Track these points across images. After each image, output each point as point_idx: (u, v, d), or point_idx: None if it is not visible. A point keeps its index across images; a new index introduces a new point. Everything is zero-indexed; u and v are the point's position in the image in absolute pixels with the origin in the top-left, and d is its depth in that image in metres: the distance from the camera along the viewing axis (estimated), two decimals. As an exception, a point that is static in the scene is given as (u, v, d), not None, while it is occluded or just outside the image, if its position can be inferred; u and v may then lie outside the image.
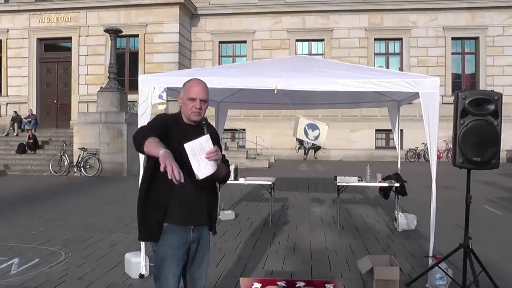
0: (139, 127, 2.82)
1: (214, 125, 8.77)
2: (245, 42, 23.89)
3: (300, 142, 22.94)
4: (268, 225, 7.60)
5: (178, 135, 2.68)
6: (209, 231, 2.94)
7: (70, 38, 23.36)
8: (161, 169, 2.30)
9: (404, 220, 7.10)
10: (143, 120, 4.99)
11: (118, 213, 8.62)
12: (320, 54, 23.33)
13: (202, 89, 2.80)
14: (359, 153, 22.29)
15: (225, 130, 22.90)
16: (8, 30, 23.72)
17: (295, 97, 6.32)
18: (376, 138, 23.20)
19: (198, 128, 2.78)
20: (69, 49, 23.44)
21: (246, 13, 23.49)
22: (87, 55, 23.10)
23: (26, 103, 23.12)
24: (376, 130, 22.78)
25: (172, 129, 2.72)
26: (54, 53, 24.04)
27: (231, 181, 7.63)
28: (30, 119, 21.10)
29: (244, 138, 23.35)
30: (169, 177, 2.29)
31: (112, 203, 9.98)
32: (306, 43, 23.91)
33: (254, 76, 4.94)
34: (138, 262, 5.00)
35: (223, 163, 2.80)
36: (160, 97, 5.00)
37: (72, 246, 6.26)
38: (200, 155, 2.50)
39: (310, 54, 23.11)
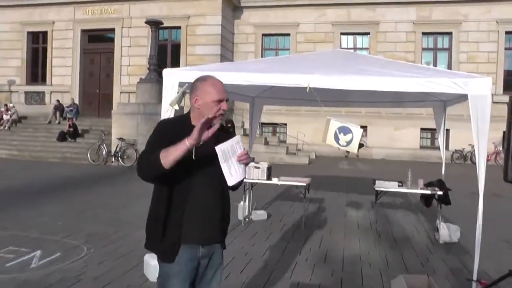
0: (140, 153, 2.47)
1: (249, 122, 8.53)
2: (288, 35, 23.38)
3: (342, 138, 22.38)
4: (301, 228, 7.20)
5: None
6: (222, 247, 2.62)
7: (113, 30, 23.62)
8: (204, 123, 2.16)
9: (447, 231, 6.51)
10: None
11: (145, 208, 8.37)
12: (365, 48, 22.59)
13: (223, 87, 2.49)
14: (403, 152, 21.45)
15: (265, 124, 23.02)
16: (54, 22, 24.30)
17: (332, 94, 5.88)
18: (420, 137, 22.21)
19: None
20: (112, 40, 23.70)
21: (290, 5, 22.97)
22: (130, 46, 23.26)
23: (69, 92, 23.59)
24: (421, 129, 21.81)
25: (178, 138, 2.35)
26: (97, 44, 24.34)
27: (263, 180, 7.31)
28: (71, 108, 21.47)
29: (285, 133, 22.95)
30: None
31: (144, 197, 9.71)
32: (351, 37, 23.15)
33: (286, 73, 4.55)
34: (156, 265, 4.72)
35: None
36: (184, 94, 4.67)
37: (96, 241, 6.11)
38: (231, 159, 2.27)
39: (354, 48, 22.45)
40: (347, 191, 11.52)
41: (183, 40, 22.61)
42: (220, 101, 2.43)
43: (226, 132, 2.45)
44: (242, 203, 7.55)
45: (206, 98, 2.42)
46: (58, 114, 21.22)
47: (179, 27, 22.66)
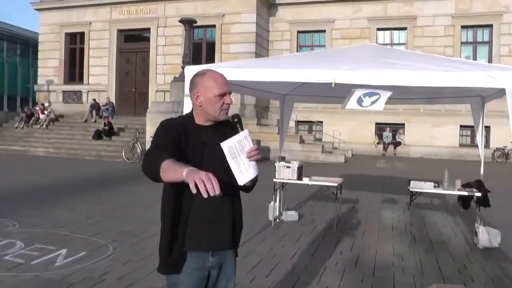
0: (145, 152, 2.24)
1: (279, 120, 8.30)
2: (324, 31, 23.03)
3: (380, 136, 21.93)
4: (333, 230, 6.93)
5: (194, 144, 2.23)
6: (235, 255, 2.43)
7: (148, 29, 23.90)
8: (193, 190, 1.81)
9: (486, 236, 6.08)
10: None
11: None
12: (402, 44, 22.00)
13: (226, 80, 2.31)
14: (442, 150, 20.74)
15: (301, 122, 22.74)
16: (90, 23, 24.86)
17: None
18: (460, 135, 21.40)
19: (219, 128, 2.31)
20: (147, 40, 23.98)
21: (325, 1, 22.63)
22: (165, 45, 23.44)
23: (106, 91, 23.99)
24: (461, 126, 21.01)
25: (183, 140, 2.22)
26: (133, 43, 24.68)
27: (293, 180, 7.11)
28: (107, 107, 21.80)
29: (322, 131, 22.62)
30: (209, 193, 1.80)
31: None
32: (387, 32, 22.59)
33: (310, 68, 4.33)
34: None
35: None
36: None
37: (122, 240, 6.07)
38: (240, 156, 2.07)
39: (391, 43, 21.89)
40: (382, 191, 11.15)
41: (217, 38, 22.61)
42: (222, 95, 2.26)
43: (233, 129, 2.24)
44: (272, 203, 7.37)
45: (207, 94, 2.25)
46: (94, 112, 21.61)
47: (213, 26, 22.68)
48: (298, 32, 23.51)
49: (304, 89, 7.06)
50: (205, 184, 1.80)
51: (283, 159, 7.53)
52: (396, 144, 21.40)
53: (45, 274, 4.77)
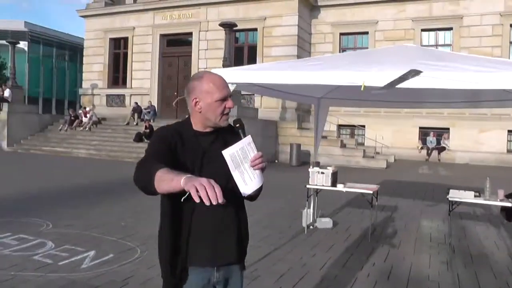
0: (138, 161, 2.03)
1: (314, 124, 8.08)
2: (367, 33, 22.57)
3: (423, 141, 21.26)
4: (367, 239, 6.65)
5: (193, 152, 2.07)
6: (241, 269, 2.26)
7: (190, 33, 24.15)
8: (195, 198, 1.62)
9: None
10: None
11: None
12: (448, 45, 21.21)
13: (225, 82, 2.16)
14: (488, 156, 19.82)
15: (343, 126, 22.34)
16: (134, 28, 25.44)
17: (401, 94, 5.37)
18: (508, 140, 20.39)
19: (219, 134, 2.15)
20: (189, 44, 24.22)
21: (368, 2, 22.19)
22: (207, 49, 23.58)
23: (148, 94, 24.39)
24: (509, 131, 20.06)
25: (179, 149, 2.06)
26: (175, 48, 25.04)
27: (327, 187, 6.87)
28: (149, 110, 22.12)
29: (364, 135, 22.15)
30: (211, 201, 1.61)
31: None
32: (432, 33, 21.83)
33: (338, 70, 4.10)
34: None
35: None
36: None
37: (152, 244, 5.96)
38: (243, 164, 1.91)
39: (436, 44, 21.17)
40: (423, 198, 10.68)
41: (259, 42, 22.59)
42: (223, 99, 2.09)
43: (235, 134, 2.08)
44: (306, 209, 7.16)
45: (207, 99, 2.08)
46: (136, 116, 21.97)
47: (255, 29, 22.69)
48: (341, 34, 23.15)
49: (339, 92, 6.82)
50: (207, 190, 1.62)
51: (317, 164, 7.30)
52: (441, 149, 20.67)
53: (71, 275, 4.78)
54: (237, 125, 2.08)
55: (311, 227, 7.24)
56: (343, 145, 19.32)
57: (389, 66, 4.02)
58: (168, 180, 1.74)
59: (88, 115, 22.74)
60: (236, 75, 4.60)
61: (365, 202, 8.91)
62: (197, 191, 1.62)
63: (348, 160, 18.34)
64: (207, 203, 1.61)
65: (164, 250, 2.11)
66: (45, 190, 10.24)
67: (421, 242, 6.72)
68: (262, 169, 1.98)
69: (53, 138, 21.91)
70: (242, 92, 16.45)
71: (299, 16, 21.84)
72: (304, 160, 17.71)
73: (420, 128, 21.36)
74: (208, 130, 2.15)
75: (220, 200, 1.62)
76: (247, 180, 1.95)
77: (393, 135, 21.15)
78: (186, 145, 2.07)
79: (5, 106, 21.71)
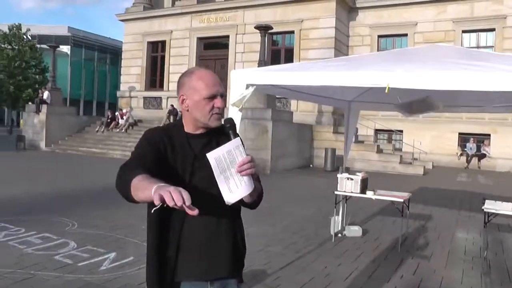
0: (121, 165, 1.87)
1: (344, 129, 7.80)
2: (406, 35, 21.92)
3: (463, 148, 20.52)
4: (397, 250, 6.32)
5: (183, 156, 1.91)
6: (238, 282, 2.07)
7: (227, 37, 24.20)
8: (156, 202, 1.47)
9: None
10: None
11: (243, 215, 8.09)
12: (490, 47, 20.30)
13: (217, 79, 1.96)
14: (533, 165, 18.94)
15: (380, 131, 21.82)
16: (171, 32, 25.73)
17: (437, 97, 5.04)
18: (554, 147, 19.48)
19: (213, 137, 1.96)
20: (226, 47, 24.24)
21: (408, 3, 21.54)
22: (243, 52, 23.55)
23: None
24: (555, 138, 19.13)
25: (169, 152, 1.90)
26: (212, 51, 25.16)
27: (356, 194, 6.59)
28: (184, 112, 22.18)
29: (401, 140, 21.56)
30: (171, 205, 1.45)
31: None
32: (473, 34, 20.97)
33: (361, 70, 3.86)
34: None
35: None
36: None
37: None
38: (229, 169, 1.73)
39: (477, 46, 20.29)
40: (460, 208, 10.16)
41: (296, 44, 22.37)
42: (212, 97, 1.92)
43: (226, 135, 1.90)
44: (335, 217, 6.91)
45: (194, 96, 1.92)
46: (172, 118, 22.13)
47: (292, 32, 22.49)
48: (379, 36, 22.63)
49: (371, 95, 6.52)
50: (172, 194, 1.45)
51: (346, 170, 7.05)
52: (481, 156, 19.85)
53: (87, 277, 4.75)
54: (228, 125, 1.90)
55: (339, 235, 6.99)
56: (379, 151, 18.86)
57: (417, 66, 3.74)
58: (142, 189, 1.60)
59: (124, 117, 23.10)
60: (256, 76, 4.43)
61: (398, 211, 8.58)
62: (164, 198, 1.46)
63: (384, 166, 17.88)
64: (170, 204, 1.44)
65: (150, 265, 1.95)
66: (76, 190, 10.36)
67: (454, 255, 6.33)
68: (257, 177, 1.81)
69: (90, 139, 22.34)
70: (277, 96, 16.28)
71: (337, 18, 21.51)
72: (339, 165, 17.32)
73: (459, 134, 20.60)
74: (200, 131, 1.98)
75: (187, 203, 1.46)
76: (232, 187, 1.76)
77: (431, 141, 20.49)
78: (177, 148, 1.92)
79: (44, 108, 22.37)
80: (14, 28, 39.25)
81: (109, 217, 7.50)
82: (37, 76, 39.46)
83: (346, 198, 7.21)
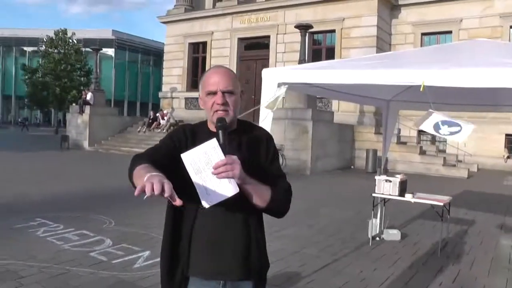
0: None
1: (382, 129, 7.57)
2: (450, 32, 21.12)
3: (510, 150, 19.72)
4: (437, 255, 6.07)
5: None
6: (256, 284, 2.00)
7: (268, 37, 24.13)
8: (136, 192, 1.50)
9: None
10: (264, 127, 4.12)
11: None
12: (541, 43, 19.45)
13: (223, 76, 1.91)
14: None
15: (423, 131, 21.09)
16: (212, 33, 25.92)
17: (481, 96, 4.81)
18: None
19: (233, 135, 1.94)
20: (267, 47, 24.18)
21: (452, -1, 20.80)
22: (284, 52, 23.44)
23: (227, 98, 24.54)
24: None
25: (189, 148, 1.87)
26: (253, 51, 25.14)
27: (394, 196, 6.39)
28: (227, 113, 22.32)
29: (445, 141, 20.90)
30: (149, 194, 1.47)
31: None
32: (523, 30, 19.95)
33: (391, 68, 3.69)
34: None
35: (273, 184, 1.91)
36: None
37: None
38: (205, 171, 1.68)
39: (527, 42, 19.52)
40: (505, 213, 9.64)
41: (337, 43, 22.06)
42: (212, 92, 1.89)
43: (254, 135, 1.97)
44: (372, 219, 6.72)
45: (201, 94, 1.95)
46: (213, 118, 22.28)
47: (333, 31, 22.20)
48: (422, 34, 21.94)
49: (411, 94, 6.29)
50: (154, 185, 1.47)
51: (385, 171, 6.84)
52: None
53: (121, 274, 4.82)
54: (219, 124, 1.84)
55: (377, 238, 6.80)
56: (422, 152, 18.35)
57: (455, 63, 3.55)
58: (139, 177, 1.63)
59: (166, 117, 23.42)
60: (288, 75, 4.34)
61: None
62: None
63: (427, 168, 17.39)
64: (148, 193, 1.47)
65: (162, 257, 1.99)
66: (115, 188, 10.51)
67: (498, 262, 6.01)
68: (232, 178, 1.70)
69: (132, 139, 22.77)
70: (318, 95, 16.13)
71: (379, 16, 21.07)
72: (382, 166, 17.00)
73: (506, 135, 19.74)
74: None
75: (166, 194, 1.48)
76: (209, 190, 1.70)
77: (476, 143, 19.69)
78: (197, 144, 1.87)
79: (87, 109, 23.07)
80: (60, 33, 40.55)
81: (144, 216, 7.57)
82: (82, 78, 40.62)
83: (385, 201, 7.01)
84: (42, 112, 59.00)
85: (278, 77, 4.32)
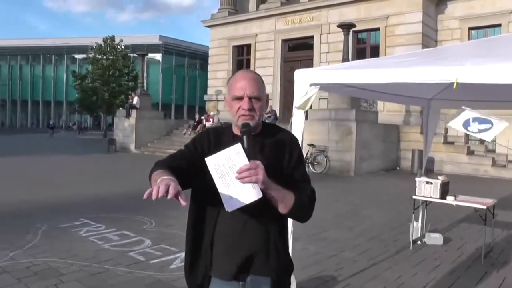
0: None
1: (423, 127, 7.34)
2: (499, 25, 20.10)
3: None
4: (480, 262, 5.81)
5: None
6: (275, 281, 1.97)
7: (312, 37, 24.00)
8: (144, 196, 1.58)
9: None
10: (296, 128, 4.11)
11: (317, 218, 7.90)
12: None
13: (249, 81, 1.91)
14: None
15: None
16: (256, 35, 26.08)
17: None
18: None
19: (260, 138, 1.96)
20: (311, 48, 24.05)
21: (501, -11, 19.85)
22: (328, 52, 23.25)
23: (271, 99, 24.52)
24: None
25: (213, 149, 1.90)
26: (297, 52, 25.09)
27: (435, 199, 6.18)
28: (269, 115, 22.28)
29: (495, 141, 20.05)
30: (154, 198, 1.57)
31: (326, 208, 8.87)
32: None
33: (421, 65, 3.56)
34: None
35: (297, 189, 1.89)
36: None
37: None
38: (229, 175, 1.70)
39: None
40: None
41: (382, 41, 21.67)
42: (239, 98, 1.90)
43: (277, 139, 1.98)
44: (413, 223, 6.54)
45: (228, 96, 1.97)
46: (253, 121, 22.36)
47: (377, 29, 21.85)
48: (470, 28, 20.98)
49: (452, 92, 6.07)
50: (159, 188, 1.57)
51: (426, 172, 6.64)
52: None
53: (157, 274, 4.90)
54: (243, 130, 1.84)
55: (418, 242, 6.61)
56: (470, 152, 17.69)
57: (487, 59, 3.38)
58: (154, 182, 1.70)
59: (211, 120, 23.68)
60: (320, 75, 4.28)
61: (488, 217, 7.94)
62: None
63: (475, 169, 16.76)
64: (153, 197, 1.56)
65: (186, 254, 2.07)
66: (159, 190, 10.72)
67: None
68: (255, 182, 1.70)
69: (177, 142, 23.12)
70: (354, 96, 15.86)
71: (424, 12, 20.49)
72: (428, 167, 16.53)
73: (561, 134, 18.74)
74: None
75: (169, 196, 1.56)
76: (232, 194, 1.72)
77: (528, 142, 18.84)
78: (222, 147, 1.89)
79: (134, 113, 23.68)
80: (108, 40, 41.79)
81: (185, 217, 7.59)
82: (130, 83, 41.70)
83: (426, 203, 6.81)
84: (92, 116, 61.03)
85: (310, 78, 4.27)
